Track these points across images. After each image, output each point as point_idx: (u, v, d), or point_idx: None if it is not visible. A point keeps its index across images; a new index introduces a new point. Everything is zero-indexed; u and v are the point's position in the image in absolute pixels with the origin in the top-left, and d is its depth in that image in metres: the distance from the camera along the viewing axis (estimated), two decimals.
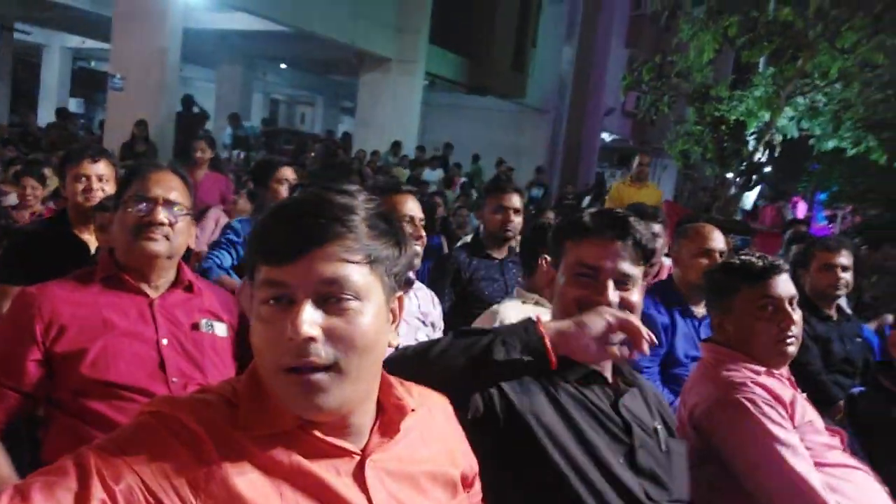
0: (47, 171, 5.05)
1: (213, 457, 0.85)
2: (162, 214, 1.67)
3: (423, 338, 2.40)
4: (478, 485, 1.13)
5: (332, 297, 0.86)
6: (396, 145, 12.68)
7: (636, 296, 1.43)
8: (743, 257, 1.94)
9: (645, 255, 1.44)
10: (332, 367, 0.86)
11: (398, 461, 0.97)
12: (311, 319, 0.85)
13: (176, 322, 1.70)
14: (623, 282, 1.42)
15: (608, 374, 1.46)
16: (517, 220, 3.27)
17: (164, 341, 1.65)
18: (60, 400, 1.58)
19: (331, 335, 0.86)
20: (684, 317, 2.82)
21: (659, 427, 1.47)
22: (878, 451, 2.07)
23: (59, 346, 1.57)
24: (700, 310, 2.85)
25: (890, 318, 3.60)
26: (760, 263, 1.88)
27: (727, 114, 9.36)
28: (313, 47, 13.73)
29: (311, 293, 0.86)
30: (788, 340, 1.84)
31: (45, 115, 15.28)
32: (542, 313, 2.05)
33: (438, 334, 2.48)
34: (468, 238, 4.21)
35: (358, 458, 0.93)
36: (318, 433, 0.90)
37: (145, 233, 1.66)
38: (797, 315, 1.85)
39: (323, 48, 13.52)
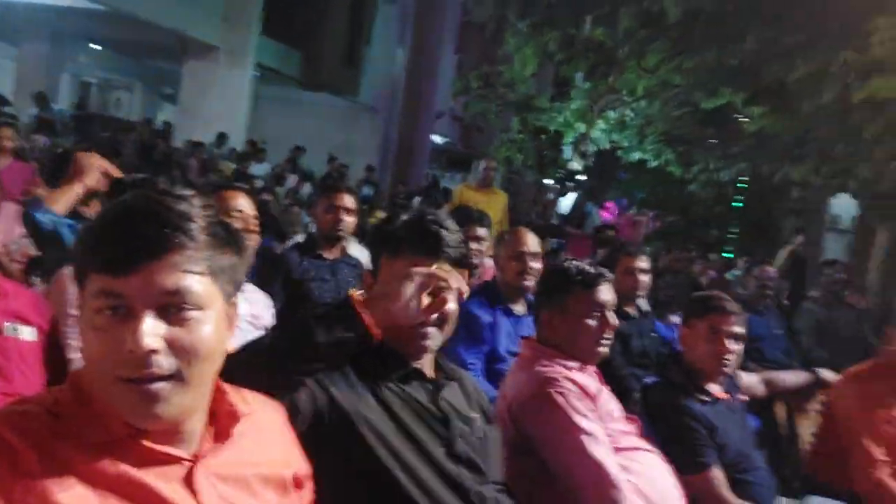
0: None
1: (32, 470, 0.82)
2: None
3: None
4: (309, 485, 1.16)
5: (172, 308, 0.86)
6: (222, 137, 12.17)
7: (453, 304, 1.45)
8: (577, 263, 2.13)
9: (459, 263, 1.48)
10: (173, 377, 0.86)
11: (229, 465, 0.98)
12: (152, 331, 0.84)
13: None
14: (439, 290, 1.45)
15: (429, 371, 1.54)
16: (349, 220, 3.29)
17: None
18: None
19: (172, 345, 0.86)
20: (506, 315, 3.01)
21: (476, 416, 1.57)
22: (665, 435, 2.36)
23: None
24: (519, 308, 3.06)
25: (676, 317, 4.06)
26: (593, 271, 2.09)
27: (547, 124, 10.02)
28: (131, 28, 12.78)
29: (152, 304, 0.85)
30: (605, 342, 2.07)
31: None
32: None
33: None
34: (299, 238, 4.18)
35: (189, 464, 0.93)
36: (147, 442, 0.89)
37: None
38: (615, 320, 2.08)
39: (142, 30, 12.61)
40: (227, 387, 1.02)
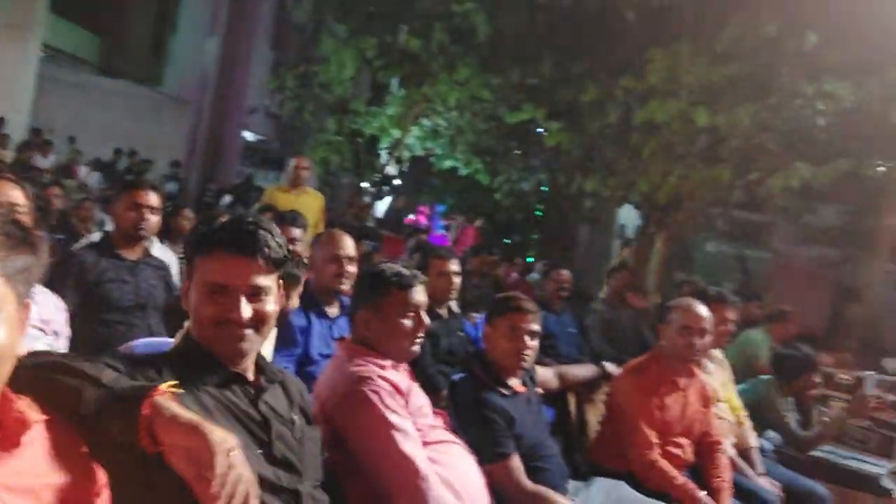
0: None
1: None
2: None
3: (41, 347, 2.18)
4: (106, 494, 1.12)
5: None
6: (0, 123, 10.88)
7: (271, 305, 1.49)
8: (393, 266, 2.21)
9: (276, 264, 1.49)
10: None
11: (17, 475, 0.93)
12: None
13: None
14: (256, 294, 1.46)
15: (250, 375, 1.54)
16: (153, 219, 3.11)
17: None
18: None
19: None
20: (319, 318, 3.02)
21: (297, 418, 1.59)
22: (469, 427, 2.50)
23: None
24: (333, 310, 3.08)
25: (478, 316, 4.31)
26: (409, 273, 2.17)
27: (363, 127, 10.10)
28: None
29: None
30: (418, 341, 2.17)
31: None
32: None
33: (63, 342, 2.28)
34: (94, 236, 3.88)
35: None
36: None
37: None
38: (427, 320, 2.19)
39: None
40: (14, 395, 0.96)
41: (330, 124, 10.10)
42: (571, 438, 3.27)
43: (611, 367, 3.46)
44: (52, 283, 2.48)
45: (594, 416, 3.39)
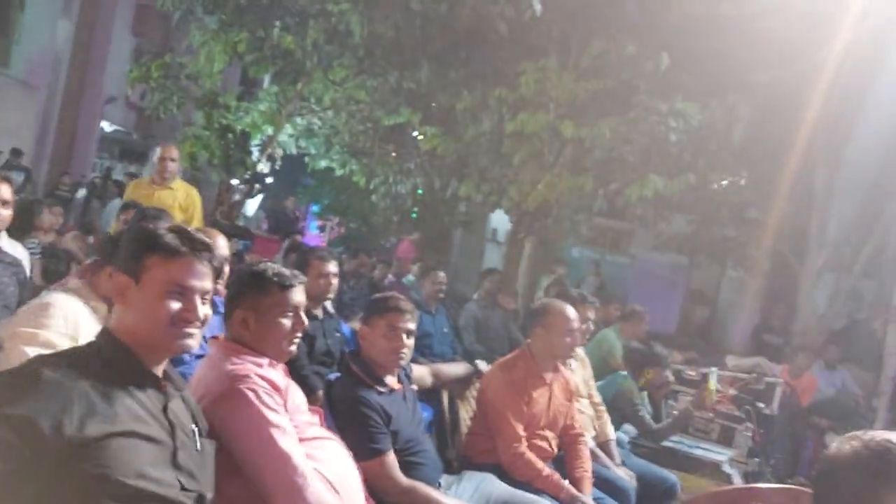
0: None
1: None
2: None
3: None
4: None
5: None
6: None
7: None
8: (273, 265, 2.21)
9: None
10: None
11: None
12: None
13: None
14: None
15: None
16: (5, 213, 2.91)
17: None
18: None
19: None
20: None
21: (195, 429, 1.64)
22: (345, 425, 2.53)
23: None
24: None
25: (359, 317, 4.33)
26: (289, 273, 2.18)
27: (234, 123, 9.77)
28: None
29: None
30: (295, 341, 2.18)
31: None
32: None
33: None
34: None
35: None
36: None
37: None
38: (306, 321, 2.21)
39: None
40: None
41: (198, 118, 9.69)
42: (445, 434, 3.36)
43: (482, 365, 3.59)
44: None
45: (467, 412, 3.51)
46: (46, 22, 16.06)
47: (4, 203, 2.88)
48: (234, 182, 10.07)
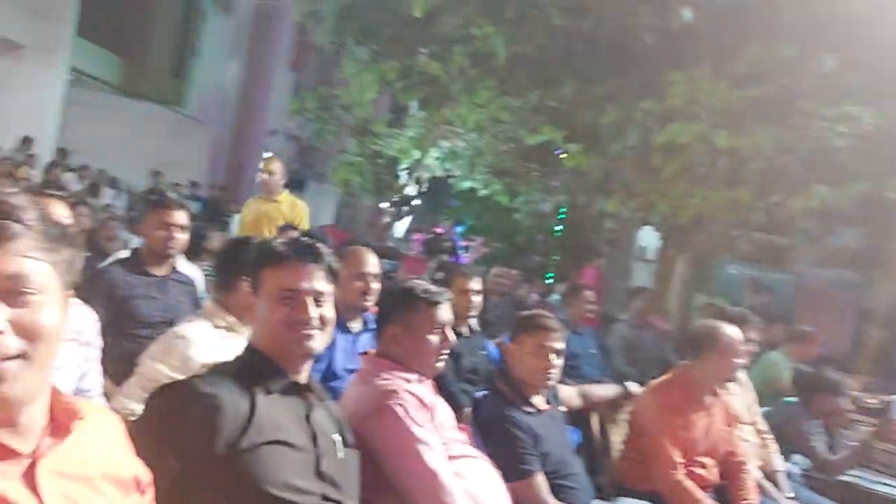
0: None
1: None
2: None
3: (80, 357, 2.22)
4: (151, 492, 1.15)
5: (14, 292, 0.88)
6: (27, 142, 11.10)
7: (331, 311, 1.66)
8: (421, 282, 2.27)
9: (333, 274, 1.68)
10: (19, 356, 0.87)
11: (71, 462, 0.97)
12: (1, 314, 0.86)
13: None
14: (319, 299, 1.63)
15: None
16: (182, 238, 3.18)
17: None
18: None
19: (16, 326, 0.87)
20: (343, 333, 3.04)
21: (338, 438, 1.66)
22: (493, 444, 2.51)
23: None
24: (356, 325, 3.11)
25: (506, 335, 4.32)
26: (437, 290, 2.23)
27: (384, 149, 10.17)
28: None
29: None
30: (443, 357, 2.20)
31: None
32: (234, 340, 2.10)
33: (94, 352, 2.32)
34: (122, 253, 3.94)
35: (28, 461, 0.91)
36: None
37: None
38: (453, 337, 2.23)
39: None
40: (57, 388, 1.00)
41: (351, 146, 10.17)
42: (595, 458, 3.25)
43: (633, 387, 3.45)
44: (82, 298, 2.53)
45: (617, 435, 3.37)
46: (217, 63, 17.64)
47: (182, 228, 3.15)
48: (384, 205, 10.45)
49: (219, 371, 1.59)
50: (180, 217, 3.15)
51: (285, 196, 5.52)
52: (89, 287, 2.93)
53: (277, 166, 5.53)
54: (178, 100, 16.20)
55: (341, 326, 3.04)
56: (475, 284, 3.77)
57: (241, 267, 2.22)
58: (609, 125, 7.62)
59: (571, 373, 4.67)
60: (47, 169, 10.72)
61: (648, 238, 11.51)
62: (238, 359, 1.64)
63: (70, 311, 2.14)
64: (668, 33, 6.81)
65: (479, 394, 2.82)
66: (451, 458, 2.03)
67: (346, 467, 1.65)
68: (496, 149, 10.77)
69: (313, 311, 1.60)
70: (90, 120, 15.54)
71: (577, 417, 3.29)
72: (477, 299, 3.77)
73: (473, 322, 3.91)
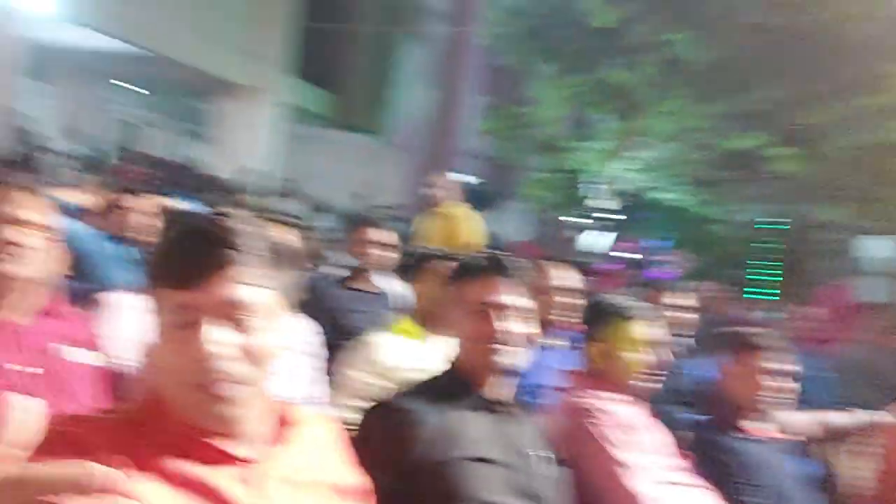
0: None
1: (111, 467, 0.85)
2: (10, 233, 1.57)
3: (308, 367, 2.39)
4: (373, 500, 1.18)
5: (238, 317, 0.93)
6: (245, 172, 12.35)
7: (531, 327, 1.61)
8: (621, 297, 2.19)
9: (530, 290, 1.64)
10: (241, 381, 0.93)
11: (290, 469, 1.01)
12: (221, 339, 0.91)
13: (42, 349, 1.61)
14: (518, 315, 1.58)
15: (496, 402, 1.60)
16: (390, 255, 3.34)
17: (30, 369, 1.57)
18: None
19: (239, 351, 0.93)
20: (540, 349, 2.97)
21: (541, 454, 1.62)
22: (710, 472, 2.30)
23: None
24: (549, 340, 3.03)
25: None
26: (636, 306, 2.13)
27: (572, 163, 10.06)
28: (159, 68, 13.15)
29: (220, 314, 0.92)
30: (651, 376, 2.09)
31: None
32: (423, 347, 2.15)
33: (321, 364, 2.48)
34: (337, 271, 4.21)
35: (252, 465, 0.97)
36: (212, 442, 0.94)
37: None
38: (662, 356, 2.12)
39: (170, 69, 12.99)
40: (279, 397, 1.06)
41: (540, 162, 10.18)
42: (834, 495, 2.89)
43: (882, 416, 3.02)
44: (307, 313, 2.72)
45: (856, 469, 2.98)
46: (412, 91, 18.56)
47: (386, 246, 3.31)
48: (567, 219, 10.30)
49: (419, 388, 1.61)
50: (385, 236, 3.31)
51: (452, 207, 5.41)
52: (308, 302, 3.17)
53: (441, 180, 5.53)
54: (379, 128, 17.24)
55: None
56: (685, 301, 3.54)
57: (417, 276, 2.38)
58: (820, 125, 6.92)
59: (799, 397, 4.23)
60: (271, 196, 11.85)
61: (878, 247, 10.27)
62: (437, 376, 1.65)
63: (298, 325, 2.34)
64: (879, 22, 6.06)
65: (694, 417, 2.63)
66: (661, 483, 1.90)
67: (550, 484, 1.60)
68: (690, 157, 10.25)
69: (511, 326, 1.56)
70: (301, 151, 17.02)
71: (811, 448, 2.95)
72: (689, 316, 3.54)
73: (689, 341, 3.68)
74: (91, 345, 1.73)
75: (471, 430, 1.50)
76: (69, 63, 14.18)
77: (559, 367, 2.84)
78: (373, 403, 1.63)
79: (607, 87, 9.31)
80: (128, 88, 17.68)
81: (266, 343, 0.95)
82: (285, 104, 14.01)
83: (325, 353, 2.58)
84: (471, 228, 5.49)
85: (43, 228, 1.64)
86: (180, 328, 0.92)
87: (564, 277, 3.05)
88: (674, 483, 1.97)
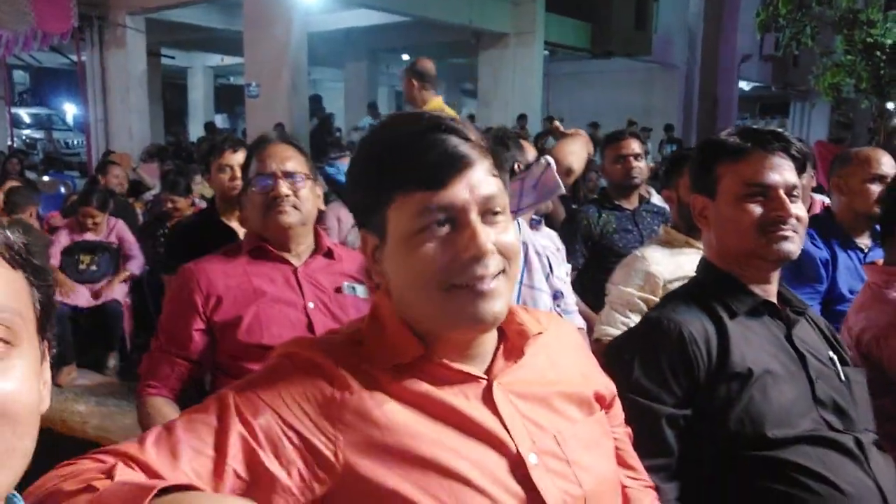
0: (197, 178, 5.46)
1: (345, 388, 0.88)
2: (284, 187, 1.73)
3: (563, 273, 2.37)
4: (618, 407, 1.10)
5: (488, 212, 0.89)
6: (522, 119, 12.53)
7: (803, 208, 1.38)
8: None
9: (801, 165, 1.38)
10: (500, 274, 0.88)
11: (526, 383, 0.96)
12: (486, 235, 0.87)
13: (320, 287, 1.77)
14: (793, 194, 1.36)
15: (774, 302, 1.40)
16: (639, 165, 3.15)
17: (311, 305, 1.73)
18: (222, 364, 1.72)
19: (496, 245, 0.88)
20: (845, 249, 2.58)
21: (834, 356, 1.38)
22: None
23: (218, 316, 1.70)
24: (864, 241, 2.60)
25: None
26: None
27: (882, 38, 8.42)
28: (432, 33, 13.88)
29: (477, 210, 0.87)
30: None
31: (195, 131, 16.51)
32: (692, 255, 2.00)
33: (567, 281, 2.43)
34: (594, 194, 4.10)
35: (484, 382, 0.93)
36: (443, 361, 0.91)
37: (274, 208, 1.73)
38: None
39: (441, 33, 13.64)
40: (515, 306, 0.99)
41: (837, 44, 8.69)
42: None
43: None
44: (562, 237, 2.69)
45: None
46: (677, 4, 17.19)
47: (637, 157, 3.14)
48: (890, 105, 8.69)
49: (676, 296, 1.44)
50: (632, 146, 3.15)
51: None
52: (568, 229, 3.12)
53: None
54: (644, 50, 16.31)
55: (843, 242, 2.59)
56: None
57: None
58: None
59: None
60: (536, 139, 11.97)
61: None
62: (695, 280, 1.47)
63: (546, 234, 2.34)
64: None
65: None
66: None
67: (852, 390, 1.35)
68: None
69: (790, 207, 1.34)
70: (567, 88, 16.85)
71: None
72: None
73: None
74: (361, 279, 1.85)
75: (745, 339, 1.31)
76: (349, 44, 15.66)
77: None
78: (643, 318, 1.53)
79: None
80: (403, 58, 19.08)
81: (514, 238, 0.91)
82: (548, 44, 13.90)
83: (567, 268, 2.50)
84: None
85: (307, 177, 1.80)
86: (436, 230, 0.87)
87: (886, 163, 2.60)
88: None
